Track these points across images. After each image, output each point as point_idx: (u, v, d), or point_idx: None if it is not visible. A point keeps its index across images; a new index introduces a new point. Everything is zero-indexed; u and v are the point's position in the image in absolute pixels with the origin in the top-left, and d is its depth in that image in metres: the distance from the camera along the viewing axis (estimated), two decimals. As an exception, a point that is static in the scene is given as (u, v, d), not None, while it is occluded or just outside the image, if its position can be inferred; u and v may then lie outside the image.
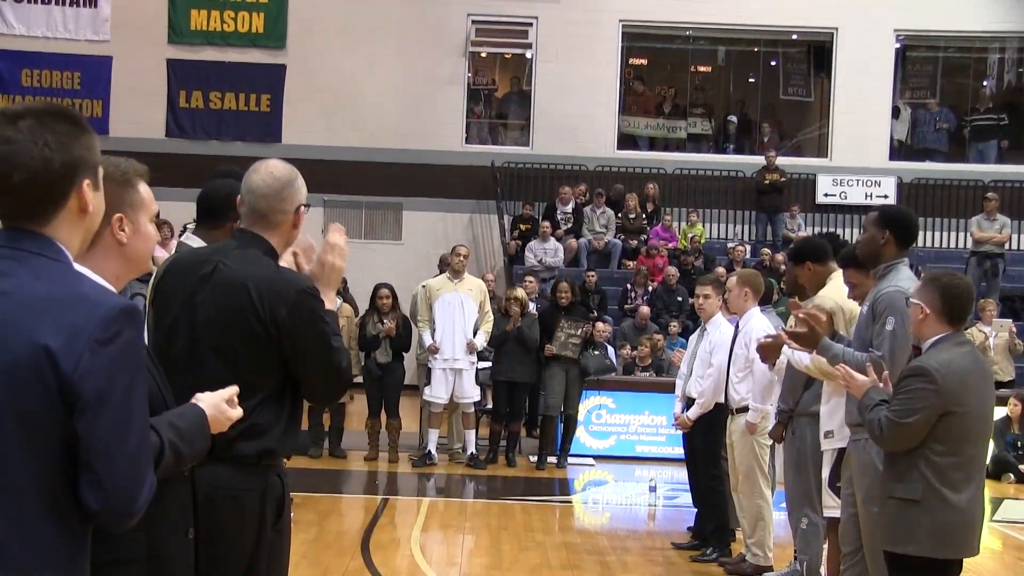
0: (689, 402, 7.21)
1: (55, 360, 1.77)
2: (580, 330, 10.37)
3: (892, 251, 4.60)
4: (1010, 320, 13.53)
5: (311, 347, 2.83)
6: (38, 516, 1.79)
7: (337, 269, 3.00)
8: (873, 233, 4.64)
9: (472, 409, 10.33)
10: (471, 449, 10.24)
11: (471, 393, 10.18)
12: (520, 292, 10.72)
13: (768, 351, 5.74)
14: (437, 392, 10.05)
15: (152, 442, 1.98)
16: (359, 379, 10.64)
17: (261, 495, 2.84)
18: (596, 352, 10.70)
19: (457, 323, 9.99)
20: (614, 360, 12.27)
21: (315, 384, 2.92)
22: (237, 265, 2.85)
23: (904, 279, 4.54)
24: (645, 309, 13.29)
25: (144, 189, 2.36)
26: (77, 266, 1.96)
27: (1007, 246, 15.39)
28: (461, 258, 10.13)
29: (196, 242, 3.57)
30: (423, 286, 10.38)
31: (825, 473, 5.36)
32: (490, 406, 10.90)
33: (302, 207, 3.01)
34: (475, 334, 10.11)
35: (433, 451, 10.22)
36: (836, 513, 5.10)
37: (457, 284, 10.08)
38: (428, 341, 10.10)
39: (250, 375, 2.75)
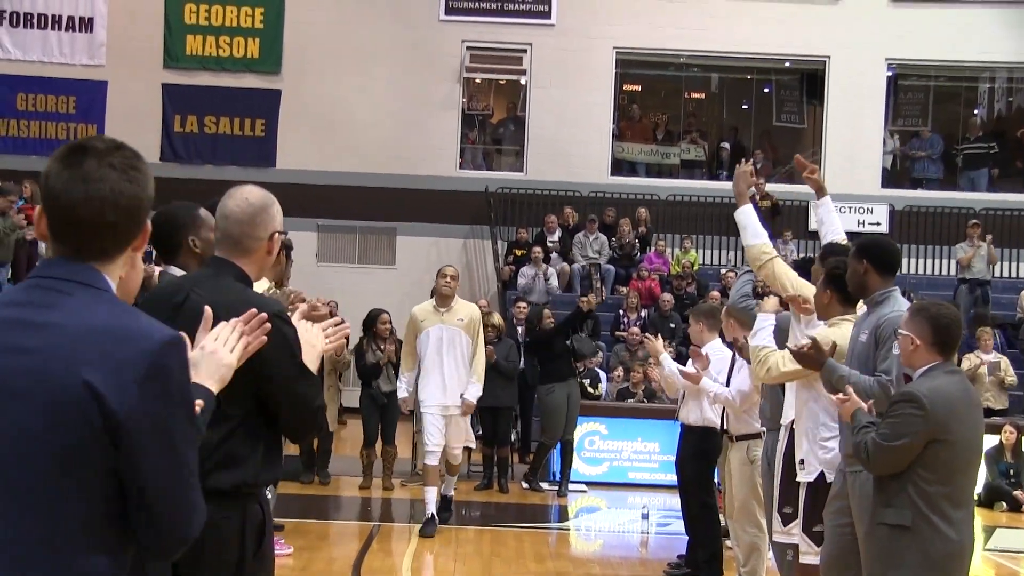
0: (683, 427, 7.23)
1: (101, 398, 1.74)
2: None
3: (876, 280, 4.62)
4: (992, 355, 13.42)
5: (279, 373, 2.78)
6: (85, 551, 1.76)
7: (308, 344, 2.94)
8: (854, 266, 4.67)
9: (459, 460, 8.75)
10: (448, 491, 8.79)
11: (459, 439, 8.43)
12: (495, 319, 10.58)
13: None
14: (431, 439, 8.24)
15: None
16: (355, 405, 10.58)
17: (240, 523, 2.80)
18: (585, 336, 10.66)
19: (446, 364, 8.16)
20: (605, 383, 12.29)
21: (284, 415, 2.87)
22: (208, 293, 2.81)
23: (905, 306, 4.57)
24: (635, 329, 13.31)
25: None
26: None
27: (995, 273, 15.44)
28: (448, 279, 8.18)
29: (180, 272, 3.59)
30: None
31: (800, 512, 5.17)
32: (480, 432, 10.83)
33: (277, 234, 2.98)
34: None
35: (434, 512, 8.35)
36: (814, 560, 4.91)
37: (444, 314, 8.18)
38: (401, 392, 8.49)
39: (219, 403, 2.70)
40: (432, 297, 8.52)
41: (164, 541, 1.83)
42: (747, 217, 5.70)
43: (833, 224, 5.78)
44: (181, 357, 1.84)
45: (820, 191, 5.94)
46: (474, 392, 8.29)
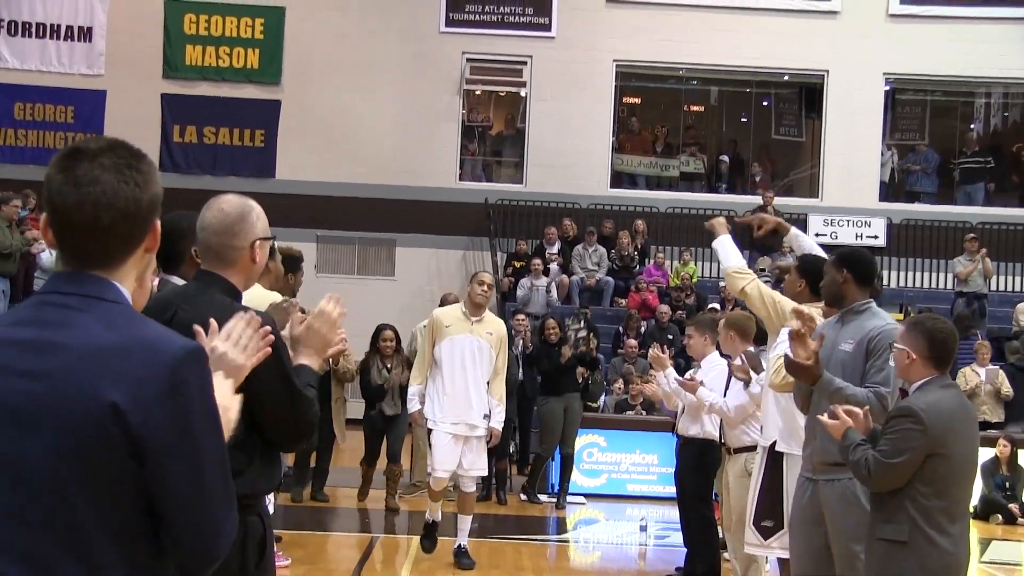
0: (681, 438, 7.25)
1: (122, 416, 1.70)
2: (582, 321, 10.24)
3: (854, 290, 4.67)
4: (989, 366, 13.46)
5: (267, 387, 2.75)
6: (117, 570, 1.73)
7: (320, 336, 2.94)
8: (832, 275, 4.71)
9: (473, 487, 7.71)
10: (462, 540, 7.68)
11: (477, 466, 7.53)
12: None
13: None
14: (442, 461, 7.35)
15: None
16: (356, 417, 10.43)
17: (242, 537, 2.79)
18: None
19: (469, 376, 7.33)
20: (604, 396, 12.30)
21: (272, 427, 2.87)
22: (194, 309, 2.79)
23: (889, 318, 4.62)
24: (632, 342, 13.30)
25: None
26: None
27: (991, 287, 15.48)
28: (485, 287, 7.38)
29: (180, 282, 3.60)
30: (425, 326, 8.35)
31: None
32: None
33: (259, 241, 2.94)
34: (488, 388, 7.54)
35: (434, 519, 7.70)
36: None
37: (475, 324, 7.38)
38: (414, 405, 7.58)
39: None
40: (458, 303, 7.87)
41: (194, 558, 1.79)
42: (723, 245, 5.92)
43: (812, 249, 5.86)
44: (202, 368, 1.79)
45: (782, 228, 6.10)
46: (500, 418, 7.49)
